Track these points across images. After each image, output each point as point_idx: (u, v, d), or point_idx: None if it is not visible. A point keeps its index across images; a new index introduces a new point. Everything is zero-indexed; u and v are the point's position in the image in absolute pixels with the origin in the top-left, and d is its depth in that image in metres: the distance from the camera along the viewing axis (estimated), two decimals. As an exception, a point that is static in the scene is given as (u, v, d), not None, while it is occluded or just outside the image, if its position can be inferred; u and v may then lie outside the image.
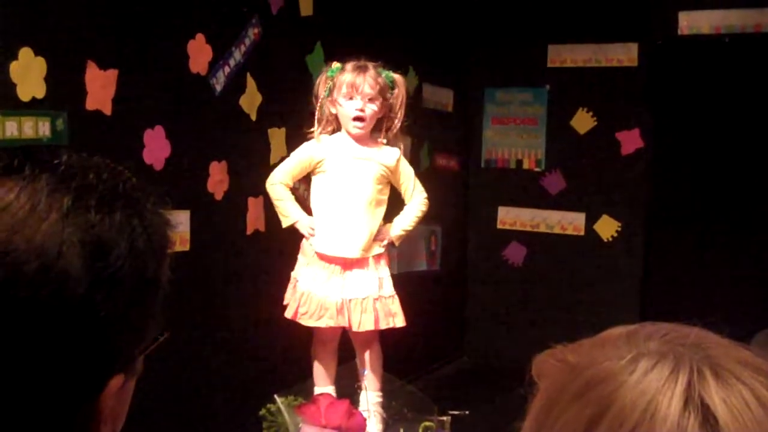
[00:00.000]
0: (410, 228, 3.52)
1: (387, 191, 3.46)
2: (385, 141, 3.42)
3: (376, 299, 3.36)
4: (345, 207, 3.36)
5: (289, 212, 3.43)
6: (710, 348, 0.66)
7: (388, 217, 3.50)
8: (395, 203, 3.54)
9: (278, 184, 3.44)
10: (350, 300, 3.33)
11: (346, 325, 3.35)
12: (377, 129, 3.41)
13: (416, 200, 3.51)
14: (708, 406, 0.60)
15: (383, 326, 3.38)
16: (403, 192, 3.50)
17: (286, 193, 3.45)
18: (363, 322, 3.33)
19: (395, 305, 3.41)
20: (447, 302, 5.50)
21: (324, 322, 3.35)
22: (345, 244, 3.35)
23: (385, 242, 3.44)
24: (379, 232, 3.42)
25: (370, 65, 3.36)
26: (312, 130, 3.41)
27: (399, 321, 3.41)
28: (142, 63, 3.11)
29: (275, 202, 3.46)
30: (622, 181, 5.28)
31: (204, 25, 3.38)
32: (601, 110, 5.33)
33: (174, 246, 0.76)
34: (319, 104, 3.39)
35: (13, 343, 0.63)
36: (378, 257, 3.42)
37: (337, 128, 3.43)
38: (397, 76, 3.42)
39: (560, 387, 0.67)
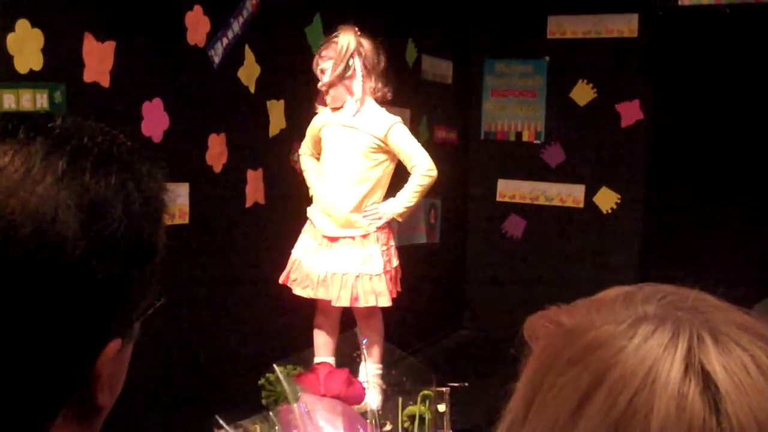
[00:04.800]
0: (411, 203, 3.41)
1: (384, 163, 3.40)
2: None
3: (357, 276, 3.32)
4: (328, 179, 3.39)
5: (309, 183, 3.55)
6: (709, 312, 0.66)
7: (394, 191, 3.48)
8: (399, 179, 3.52)
9: (302, 156, 3.58)
10: (333, 274, 3.34)
11: (328, 297, 3.35)
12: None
13: (417, 172, 3.38)
14: (708, 372, 0.60)
15: (362, 304, 3.33)
16: (404, 163, 3.42)
17: (309, 164, 3.56)
18: (341, 298, 3.32)
19: (381, 284, 3.34)
20: (446, 275, 5.51)
21: (306, 293, 3.38)
22: (323, 220, 3.39)
23: (381, 221, 3.38)
24: (373, 208, 3.38)
25: (342, 29, 3.38)
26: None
27: (383, 300, 3.34)
28: (140, 35, 3.10)
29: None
30: (622, 153, 5.27)
31: (202, -3, 3.36)
32: (601, 82, 5.31)
33: (169, 210, 0.75)
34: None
35: (9, 307, 0.63)
36: (366, 233, 3.38)
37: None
38: (364, 41, 3.38)
39: (556, 351, 0.67)
